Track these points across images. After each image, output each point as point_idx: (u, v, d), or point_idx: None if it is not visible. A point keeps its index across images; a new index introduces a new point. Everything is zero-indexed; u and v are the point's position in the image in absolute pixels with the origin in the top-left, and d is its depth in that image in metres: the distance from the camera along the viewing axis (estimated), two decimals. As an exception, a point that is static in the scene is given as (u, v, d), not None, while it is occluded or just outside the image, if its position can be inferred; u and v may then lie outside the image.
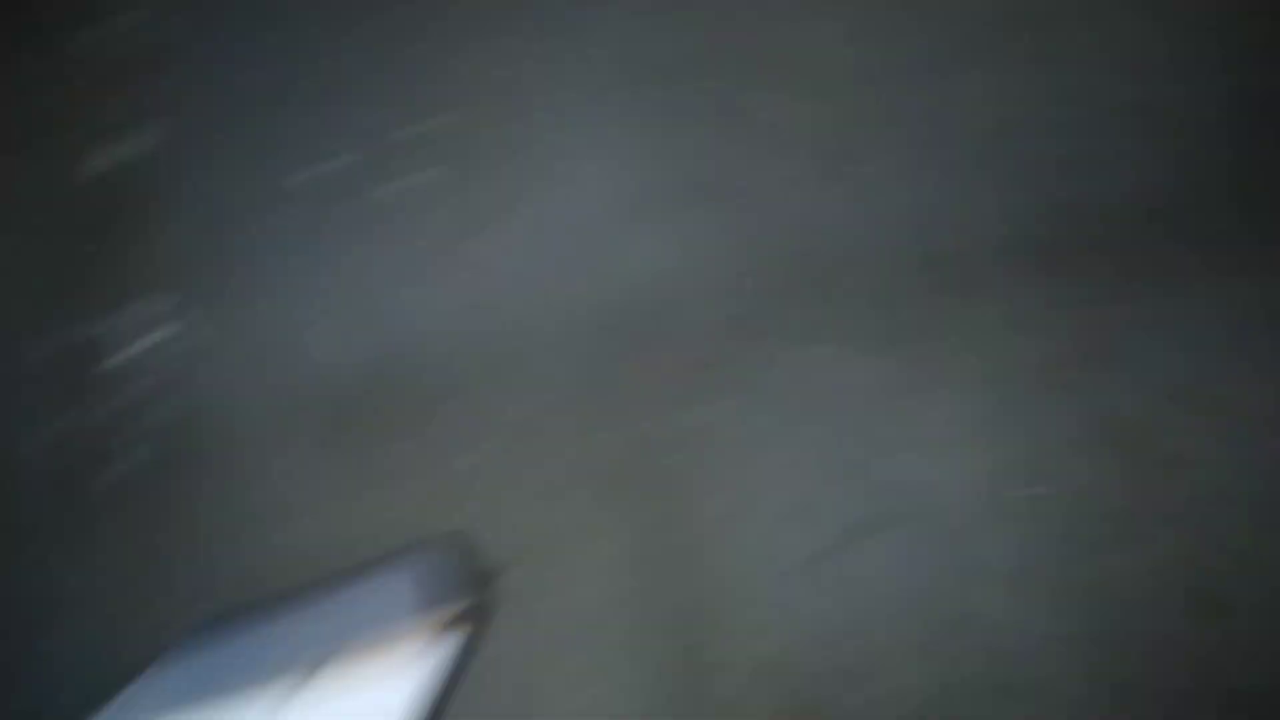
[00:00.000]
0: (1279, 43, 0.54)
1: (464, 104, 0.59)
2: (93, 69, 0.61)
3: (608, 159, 0.57)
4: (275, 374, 0.59)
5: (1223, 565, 0.51)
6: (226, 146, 0.60)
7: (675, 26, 0.57)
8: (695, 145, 0.56)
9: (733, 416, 0.55)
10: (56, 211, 0.62)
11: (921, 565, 0.54)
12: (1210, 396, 0.52)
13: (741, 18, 0.56)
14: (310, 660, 0.35)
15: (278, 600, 0.51)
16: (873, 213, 0.55)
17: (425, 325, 0.58)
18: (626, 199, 0.56)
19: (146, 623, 0.57)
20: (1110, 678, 0.51)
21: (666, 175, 0.56)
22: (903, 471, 0.54)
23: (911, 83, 0.55)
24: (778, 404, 0.55)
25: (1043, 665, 0.53)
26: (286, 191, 0.60)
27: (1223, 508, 0.52)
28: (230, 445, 0.59)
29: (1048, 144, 0.54)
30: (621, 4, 0.57)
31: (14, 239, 0.61)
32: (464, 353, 0.58)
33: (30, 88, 0.61)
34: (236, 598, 0.52)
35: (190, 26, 0.60)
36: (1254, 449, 0.52)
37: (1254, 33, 0.54)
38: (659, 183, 0.56)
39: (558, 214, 0.57)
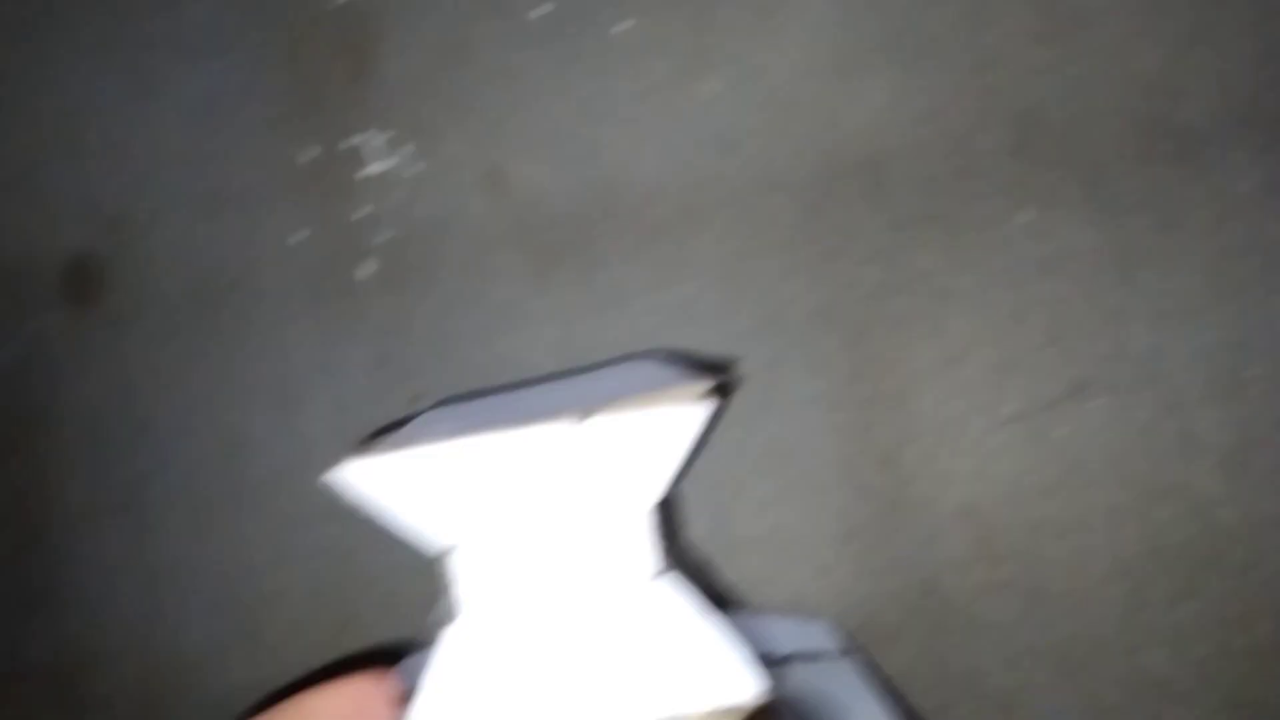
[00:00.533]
0: None
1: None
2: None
3: (835, 7, 0.57)
4: (496, 202, 0.62)
5: None
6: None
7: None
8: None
9: (953, 269, 0.54)
10: (301, 37, 0.65)
11: (1134, 433, 0.53)
12: None
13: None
14: (579, 409, 0.36)
15: (522, 384, 0.53)
16: (1096, 77, 0.53)
17: (644, 162, 0.59)
18: (851, 49, 0.56)
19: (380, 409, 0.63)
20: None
21: (891, 26, 0.56)
22: (1122, 340, 0.53)
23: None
24: (998, 261, 0.54)
25: (1254, 542, 0.51)
26: (520, 26, 0.61)
27: None
28: (451, 268, 0.63)
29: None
30: None
31: (261, 59, 0.66)
32: (681, 190, 0.58)
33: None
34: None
35: None
36: None
37: None
38: (882, 33, 0.56)
39: (782, 62, 0.57)
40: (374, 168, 0.67)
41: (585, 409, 0.37)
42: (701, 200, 0.59)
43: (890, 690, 0.48)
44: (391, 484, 0.36)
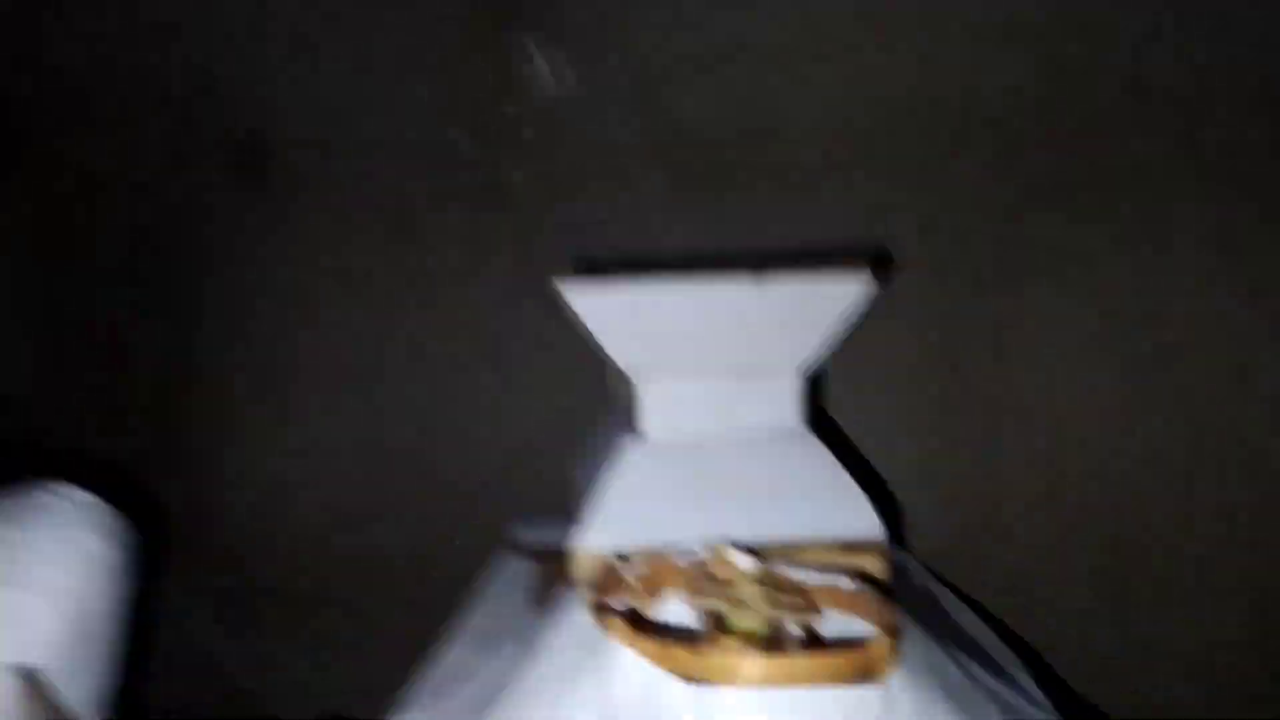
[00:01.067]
0: None
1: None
2: None
3: None
4: (643, 120, 0.67)
5: None
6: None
7: None
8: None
9: (1071, 234, 0.59)
10: None
11: (1206, 405, 0.57)
12: None
13: None
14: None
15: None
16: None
17: (788, 103, 0.64)
18: (1001, 22, 0.60)
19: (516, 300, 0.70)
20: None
21: (1041, 4, 0.59)
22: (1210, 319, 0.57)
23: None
24: (1111, 230, 0.58)
25: None
26: None
27: None
28: (595, 176, 0.68)
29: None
30: None
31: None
32: (820, 133, 0.63)
33: None
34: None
35: None
36: None
37: None
38: (1032, 10, 0.59)
39: (935, 28, 0.61)
40: (535, 73, 0.72)
41: (760, 271, 0.42)
42: (838, 145, 0.63)
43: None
44: (605, 310, 0.41)
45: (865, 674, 0.29)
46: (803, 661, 0.28)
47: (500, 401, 0.74)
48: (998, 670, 0.36)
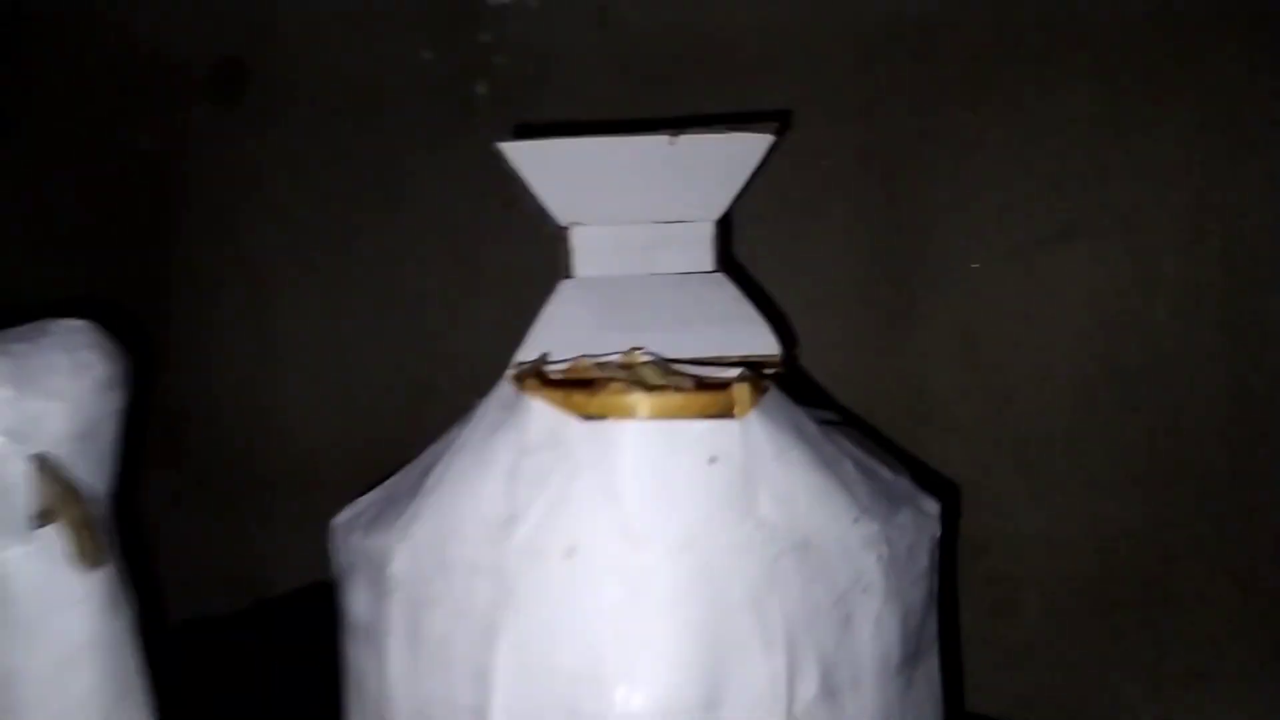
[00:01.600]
0: None
1: None
2: None
3: None
4: (601, 37, 0.73)
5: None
6: None
7: None
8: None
9: (978, 124, 0.64)
10: None
11: (1105, 273, 0.62)
12: None
13: None
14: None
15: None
16: None
17: (732, 13, 0.70)
18: None
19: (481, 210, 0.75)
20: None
21: None
22: (1106, 193, 0.62)
23: None
24: (1016, 120, 0.63)
25: (1193, 367, 0.60)
26: None
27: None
28: (557, 92, 0.75)
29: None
30: None
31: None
32: (761, 39, 0.69)
33: None
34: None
35: None
36: None
37: None
38: None
39: None
40: (498, 0, 0.79)
41: (677, 130, 0.48)
42: (776, 49, 0.70)
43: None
44: (540, 163, 0.48)
45: (727, 410, 0.35)
46: (676, 397, 0.35)
47: (465, 295, 0.80)
48: (864, 450, 0.42)
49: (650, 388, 0.35)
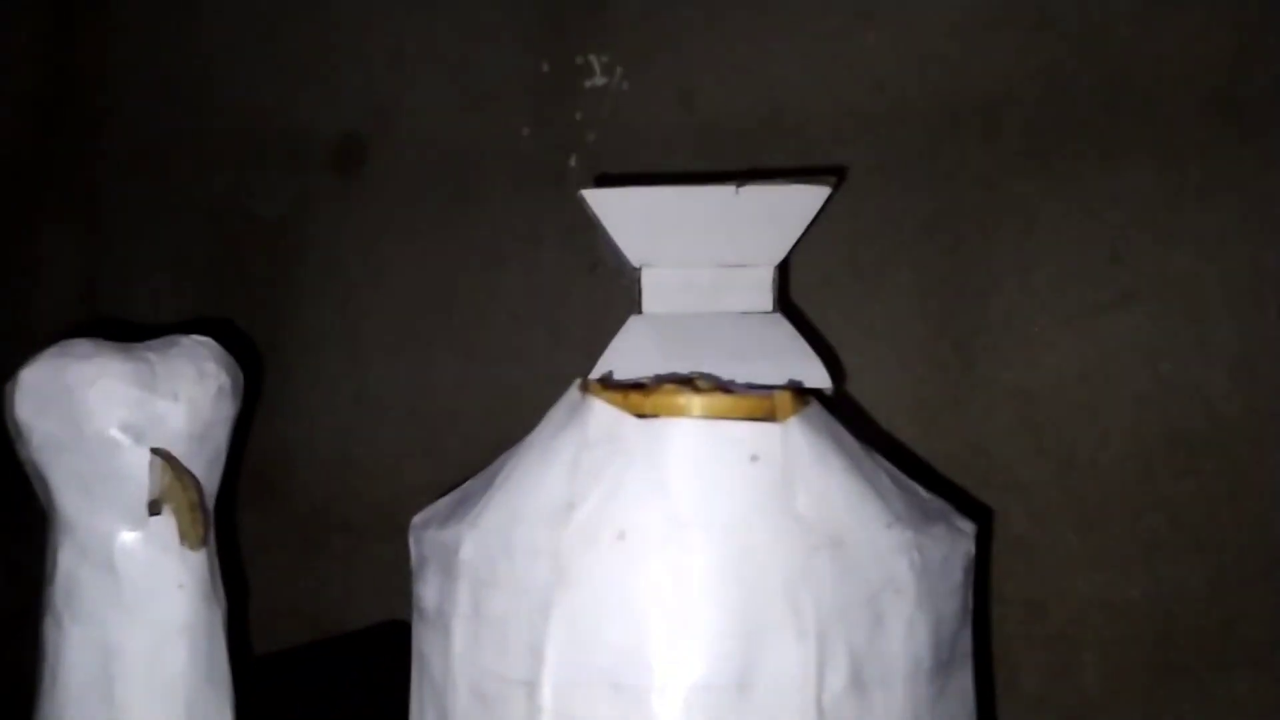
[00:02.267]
0: None
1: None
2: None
3: None
4: (683, 117, 0.80)
5: None
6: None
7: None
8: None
9: (1041, 196, 0.68)
10: None
11: (1164, 338, 0.65)
12: None
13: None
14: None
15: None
16: (1176, 53, 0.66)
17: (807, 94, 0.75)
18: (984, 17, 0.70)
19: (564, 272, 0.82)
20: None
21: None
22: (1165, 262, 0.65)
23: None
24: (1077, 192, 0.67)
25: (1250, 434, 0.62)
26: None
27: None
28: (640, 165, 0.81)
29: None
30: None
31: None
32: (834, 118, 0.74)
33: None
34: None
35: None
36: None
37: None
38: (1011, 5, 0.70)
39: (929, 22, 0.72)
40: (593, 82, 0.85)
41: (741, 181, 0.52)
42: (848, 127, 0.75)
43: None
44: (616, 209, 0.53)
45: (770, 414, 0.39)
46: (724, 399, 0.38)
47: (548, 351, 0.85)
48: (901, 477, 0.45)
49: (700, 390, 0.39)
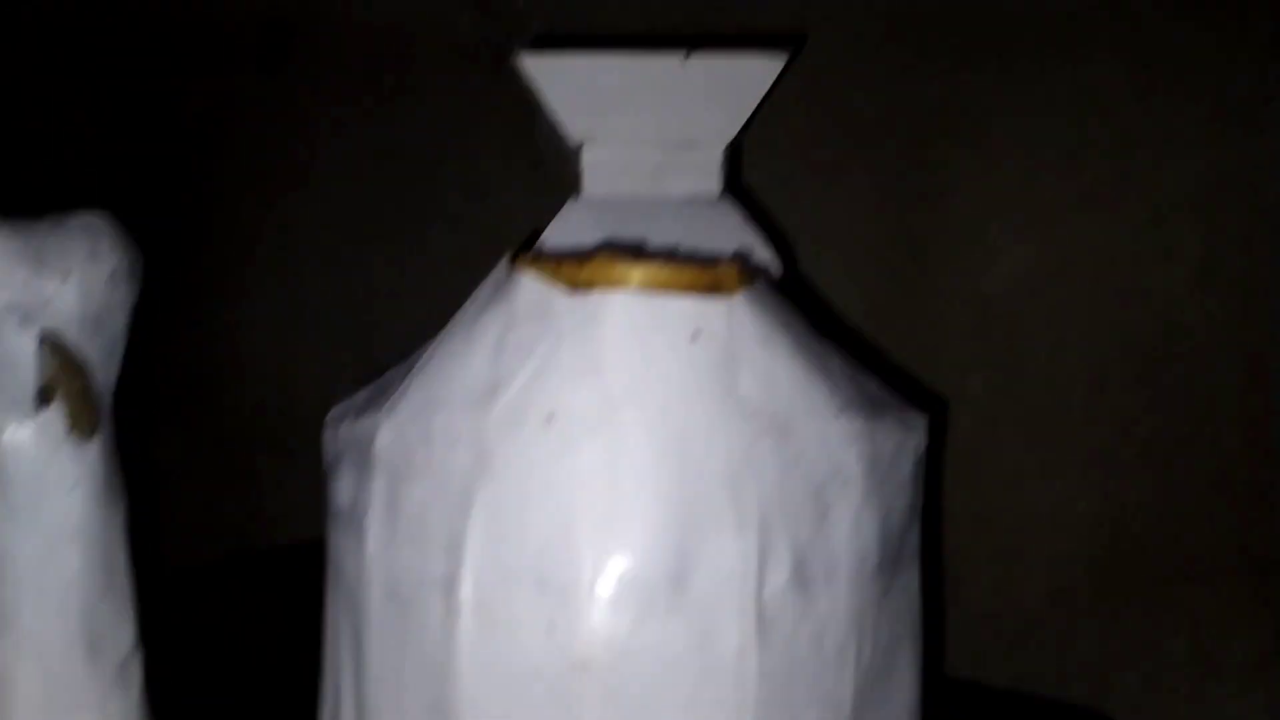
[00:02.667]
0: None
1: None
2: None
3: None
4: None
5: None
6: None
7: None
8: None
9: (1002, 94, 0.65)
10: None
11: (1123, 241, 0.63)
12: None
13: None
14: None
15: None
16: None
17: None
18: None
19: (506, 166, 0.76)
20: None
21: None
22: (1126, 164, 0.62)
23: None
24: (1040, 91, 0.64)
25: (1210, 341, 0.60)
26: None
27: None
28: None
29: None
30: None
31: None
32: (790, 4, 0.68)
33: None
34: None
35: None
36: None
37: None
38: None
39: None
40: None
41: (689, 50, 0.48)
42: (808, 12, 0.71)
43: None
44: (555, 78, 0.49)
45: (715, 287, 0.35)
46: (664, 269, 0.35)
47: (491, 257, 0.81)
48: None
49: (639, 260, 0.36)
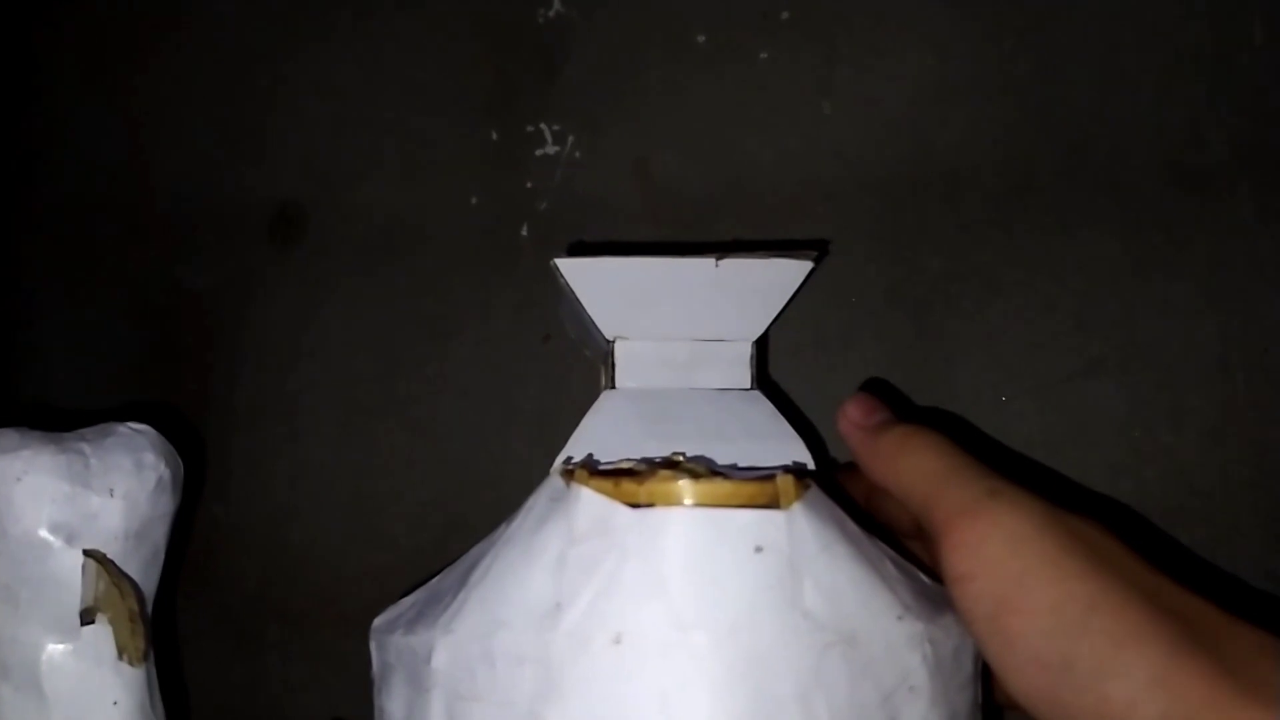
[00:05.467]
0: None
1: None
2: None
3: (933, 53, 0.70)
4: (639, 185, 0.77)
5: None
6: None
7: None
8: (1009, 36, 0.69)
9: (1003, 264, 0.67)
10: (506, 44, 0.82)
11: (1133, 406, 0.64)
12: None
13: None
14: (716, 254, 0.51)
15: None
16: (1134, 123, 0.66)
17: (764, 164, 0.73)
18: (943, 87, 0.70)
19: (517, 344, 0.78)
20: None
21: (978, 70, 0.69)
22: (1131, 331, 0.65)
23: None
24: (1040, 261, 0.67)
25: (1224, 502, 0.62)
26: (682, 48, 0.76)
27: None
28: (594, 235, 0.78)
29: None
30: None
31: (472, 58, 0.83)
32: (792, 186, 0.73)
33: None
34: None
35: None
36: None
37: None
38: (971, 75, 0.69)
39: (887, 92, 0.71)
40: (544, 151, 0.84)
41: (721, 254, 0.51)
42: (807, 195, 0.74)
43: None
44: (591, 279, 0.50)
45: (773, 501, 0.36)
46: (724, 485, 0.36)
47: (500, 427, 0.82)
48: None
49: (698, 476, 0.36)
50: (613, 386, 0.51)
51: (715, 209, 0.79)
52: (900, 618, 0.37)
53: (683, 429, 0.49)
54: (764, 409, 0.51)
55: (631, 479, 0.37)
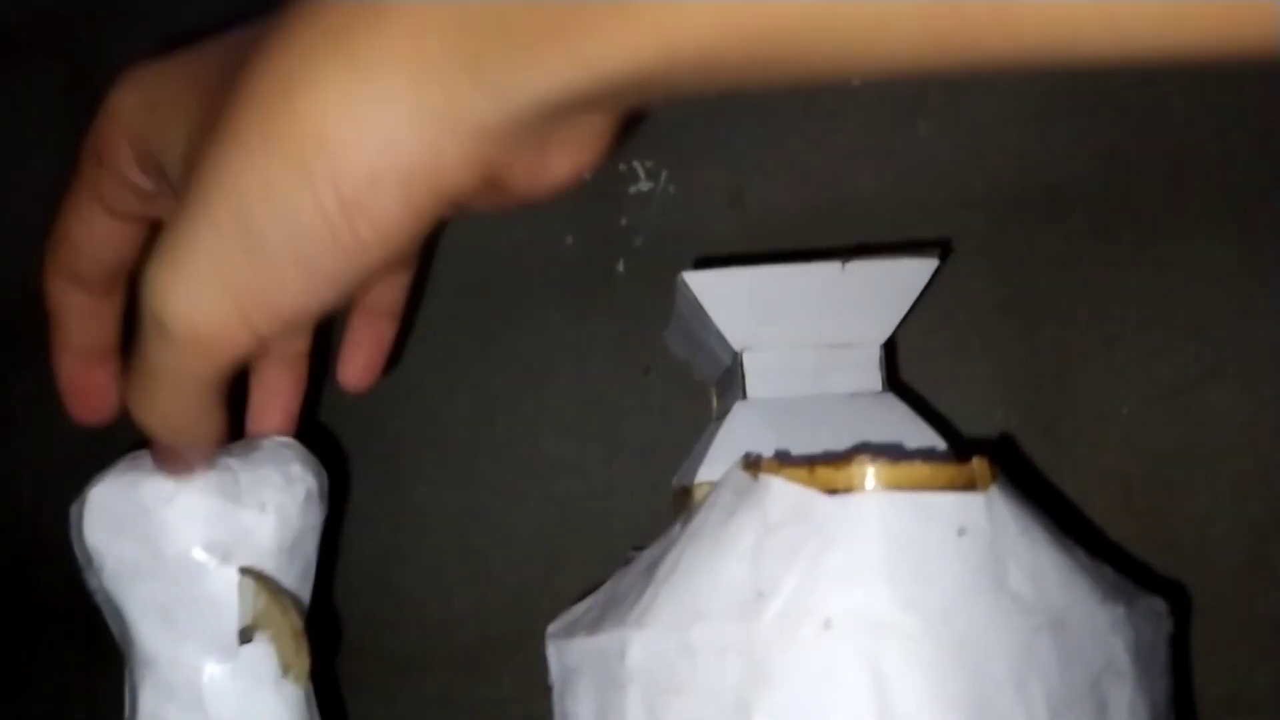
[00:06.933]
0: None
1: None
2: None
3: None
4: (733, 216, 0.76)
5: None
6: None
7: None
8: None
9: (1114, 273, 0.67)
10: None
11: (1258, 411, 0.64)
12: None
13: None
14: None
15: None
16: (1241, 124, 0.66)
17: (862, 187, 0.73)
18: (1041, 99, 0.70)
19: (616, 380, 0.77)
20: None
21: (1075, 81, 0.69)
22: (1252, 333, 0.64)
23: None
24: (1152, 268, 0.66)
25: None
26: None
27: None
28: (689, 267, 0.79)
29: None
30: None
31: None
32: (891, 209, 0.72)
33: None
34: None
35: None
36: None
37: None
38: (1068, 86, 0.69)
39: (983, 109, 0.71)
40: (638, 188, 0.85)
41: (846, 257, 0.51)
42: (907, 217, 0.74)
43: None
44: (718, 291, 0.51)
45: (970, 483, 0.36)
46: (923, 468, 0.36)
47: (600, 463, 0.82)
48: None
49: (894, 461, 0.36)
50: (744, 397, 0.51)
51: (813, 235, 0.80)
52: (1102, 602, 0.36)
53: (819, 434, 0.49)
54: (900, 410, 0.51)
55: (827, 465, 0.37)
